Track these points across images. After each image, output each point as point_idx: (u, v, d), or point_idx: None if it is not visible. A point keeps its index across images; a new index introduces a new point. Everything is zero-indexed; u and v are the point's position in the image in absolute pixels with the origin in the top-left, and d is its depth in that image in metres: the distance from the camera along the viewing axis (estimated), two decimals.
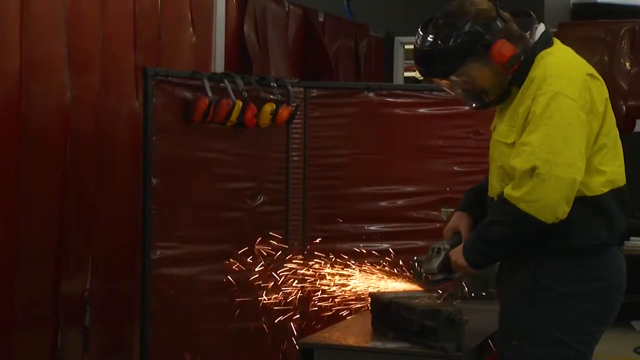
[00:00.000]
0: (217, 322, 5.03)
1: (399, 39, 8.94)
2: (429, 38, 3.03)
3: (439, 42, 3.01)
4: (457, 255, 3.09)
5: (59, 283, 4.63)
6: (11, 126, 4.36)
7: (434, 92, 5.63)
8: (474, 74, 3.04)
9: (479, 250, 3.02)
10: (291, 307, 4.01)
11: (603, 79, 3.08)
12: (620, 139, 3.11)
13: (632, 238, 7.44)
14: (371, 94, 5.73)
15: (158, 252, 4.73)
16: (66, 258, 4.67)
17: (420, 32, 3.07)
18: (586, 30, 7.49)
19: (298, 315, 4.35)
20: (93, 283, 4.87)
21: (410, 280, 3.49)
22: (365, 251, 5.05)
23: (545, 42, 3.05)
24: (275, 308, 4.25)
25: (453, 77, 3.06)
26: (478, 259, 3.04)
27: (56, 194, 4.60)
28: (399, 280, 3.54)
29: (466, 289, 3.66)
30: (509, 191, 2.91)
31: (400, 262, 3.78)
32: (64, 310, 4.67)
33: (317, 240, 4.94)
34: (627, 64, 7.30)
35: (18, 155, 4.39)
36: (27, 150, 4.43)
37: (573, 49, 3.14)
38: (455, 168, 5.71)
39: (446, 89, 3.15)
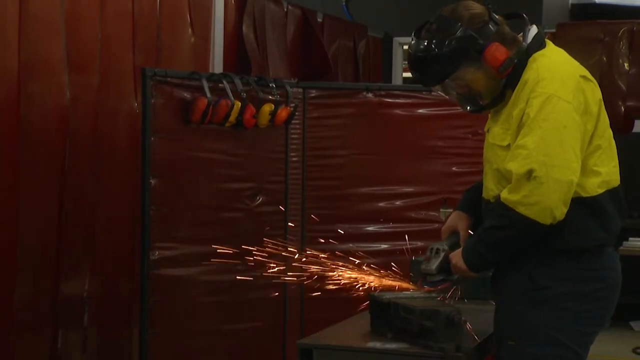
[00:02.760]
0: (216, 323, 5.03)
1: (397, 39, 8.95)
2: (422, 43, 3.04)
3: (433, 47, 3.02)
4: (457, 258, 3.09)
5: (58, 284, 4.63)
6: (10, 127, 4.35)
7: (433, 93, 5.61)
8: (468, 78, 3.05)
9: (478, 254, 3.03)
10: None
11: (601, 79, 3.11)
12: (619, 140, 3.12)
13: (630, 239, 7.45)
14: (370, 95, 5.73)
15: (157, 252, 4.74)
16: (65, 259, 4.67)
17: (414, 38, 3.08)
18: (585, 31, 7.50)
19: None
20: (92, 284, 4.87)
21: (408, 280, 3.49)
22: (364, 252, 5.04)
23: (538, 44, 3.06)
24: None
25: (447, 82, 3.07)
26: (478, 263, 3.05)
27: (55, 195, 4.60)
28: (398, 280, 3.54)
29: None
30: (506, 195, 2.91)
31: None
32: (63, 311, 4.67)
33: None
34: (626, 65, 7.31)
35: (17, 155, 4.39)
36: (26, 151, 4.43)
37: (571, 49, 3.16)
38: (454, 168, 5.71)
39: (441, 92, 3.16)
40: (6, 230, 4.37)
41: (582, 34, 7.45)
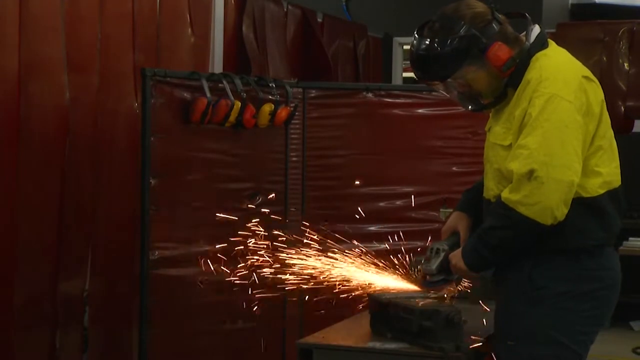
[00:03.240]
0: (216, 323, 5.03)
1: (397, 39, 8.94)
2: (425, 42, 3.04)
3: (436, 46, 3.01)
4: (457, 258, 3.09)
5: (57, 283, 4.63)
6: (10, 127, 4.36)
7: (433, 93, 5.61)
8: (470, 77, 3.05)
9: (478, 254, 3.02)
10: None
11: (601, 79, 3.10)
12: (619, 140, 3.12)
13: (630, 239, 7.45)
14: (370, 95, 5.73)
15: (156, 252, 4.74)
16: (65, 258, 4.67)
17: (416, 36, 3.08)
18: (585, 31, 7.50)
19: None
20: (92, 283, 4.87)
21: (409, 280, 3.49)
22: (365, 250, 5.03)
23: (540, 43, 3.06)
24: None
25: (449, 80, 3.06)
26: (478, 263, 3.05)
27: (55, 195, 4.61)
28: (397, 279, 3.54)
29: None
30: (506, 195, 2.91)
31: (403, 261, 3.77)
32: (63, 310, 4.67)
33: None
34: (626, 65, 7.31)
35: (17, 156, 4.39)
36: (26, 151, 4.43)
37: (571, 49, 3.15)
38: (454, 168, 5.71)
39: (442, 91, 3.15)
40: (6, 230, 4.37)
41: (582, 34, 7.45)
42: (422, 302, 3.21)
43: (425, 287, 3.30)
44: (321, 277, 3.71)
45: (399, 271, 3.59)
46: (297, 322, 5.49)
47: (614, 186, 3.04)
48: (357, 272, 3.63)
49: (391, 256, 3.69)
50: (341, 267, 3.67)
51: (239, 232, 4.39)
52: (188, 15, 5.62)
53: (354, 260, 3.69)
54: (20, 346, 4.43)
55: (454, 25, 3.00)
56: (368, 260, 3.69)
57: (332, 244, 3.98)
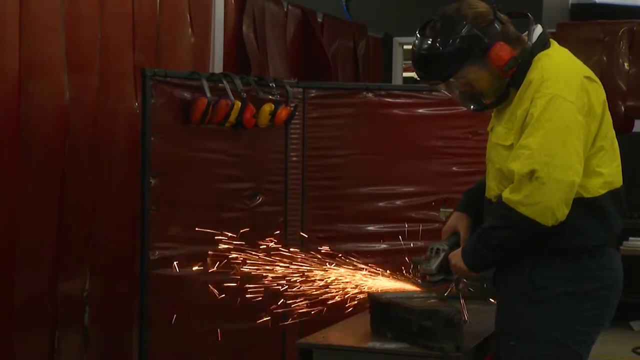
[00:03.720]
0: (216, 323, 5.02)
1: (397, 39, 8.95)
2: (427, 41, 3.03)
3: (437, 46, 3.01)
4: (457, 258, 3.09)
5: (57, 283, 4.63)
6: (10, 127, 4.36)
7: (433, 93, 5.61)
8: (472, 77, 3.04)
9: (478, 254, 3.02)
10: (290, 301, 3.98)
11: (601, 79, 3.10)
12: (619, 140, 3.12)
13: (630, 238, 7.44)
14: (370, 95, 5.73)
15: (157, 252, 4.74)
16: (65, 258, 4.67)
17: (418, 35, 3.08)
18: (585, 31, 7.50)
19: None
20: (92, 283, 4.87)
21: (409, 280, 3.49)
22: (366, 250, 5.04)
23: (542, 43, 3.06)
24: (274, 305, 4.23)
25: (451, 80, 3.06)
26: (478, 263, 3.05)
27: (55, 195, 4.61)
28: (397, 280, 3.54)
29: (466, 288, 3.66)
30: (507, 195, 2.91)
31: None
32: (63, 310, 4.67)
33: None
34: (626, 65, 7.31)
35: (17, 156, 4.39)
36: (26, 151, 4.43)
37: (571, 49, 3.15)
38: (454, 168, 5.71)
39: (444, 91, 3.15)
40: (6, 230, 4.37)
41: (582, 34, 7.45)
42: (421, 302, 3.21)
43: (425, 287, 3.30)
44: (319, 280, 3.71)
45: (399, 271, 3.59)
46: (297, 322, 5.48)
47: (616, 186, 3.03)
48: (357, 273, 3.63)
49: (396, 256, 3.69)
50: (340, 270, 3.66)
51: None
52: (188, 15, 5.62)
53: (353, 262, 3.69)
54: (20, 346, 4.43)
55: (456, 25, 3.00)
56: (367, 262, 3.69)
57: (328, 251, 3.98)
